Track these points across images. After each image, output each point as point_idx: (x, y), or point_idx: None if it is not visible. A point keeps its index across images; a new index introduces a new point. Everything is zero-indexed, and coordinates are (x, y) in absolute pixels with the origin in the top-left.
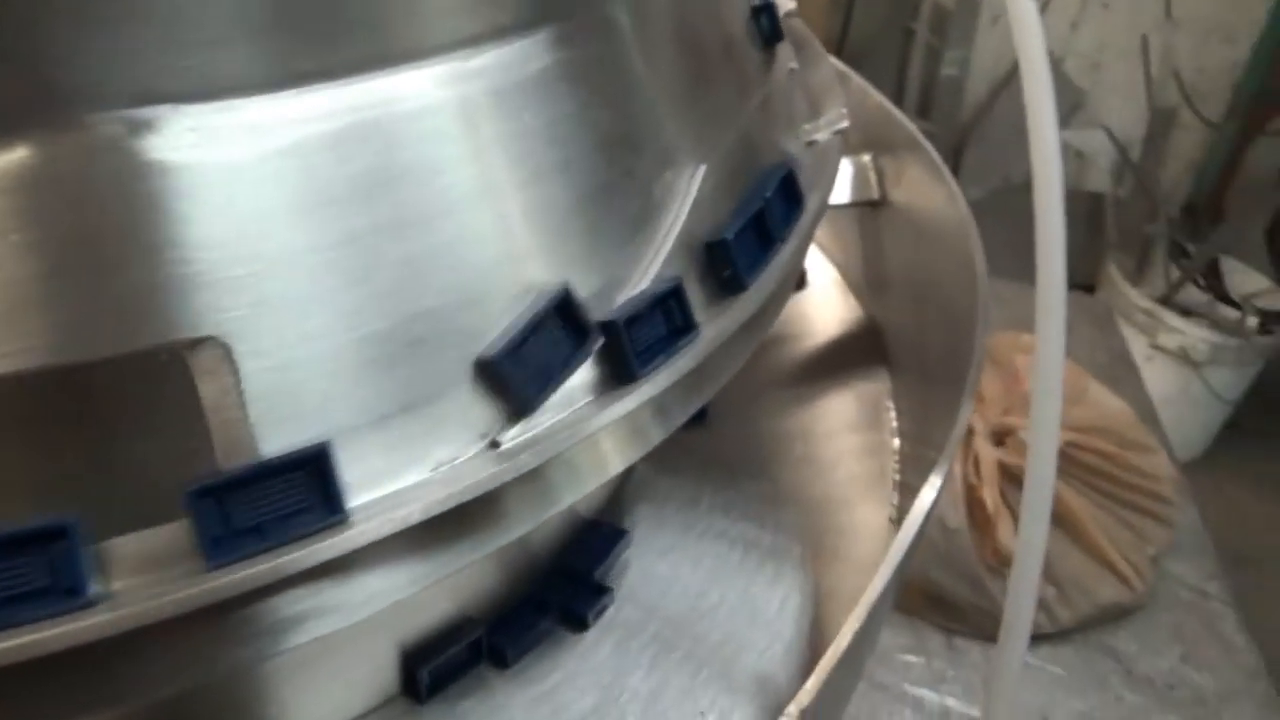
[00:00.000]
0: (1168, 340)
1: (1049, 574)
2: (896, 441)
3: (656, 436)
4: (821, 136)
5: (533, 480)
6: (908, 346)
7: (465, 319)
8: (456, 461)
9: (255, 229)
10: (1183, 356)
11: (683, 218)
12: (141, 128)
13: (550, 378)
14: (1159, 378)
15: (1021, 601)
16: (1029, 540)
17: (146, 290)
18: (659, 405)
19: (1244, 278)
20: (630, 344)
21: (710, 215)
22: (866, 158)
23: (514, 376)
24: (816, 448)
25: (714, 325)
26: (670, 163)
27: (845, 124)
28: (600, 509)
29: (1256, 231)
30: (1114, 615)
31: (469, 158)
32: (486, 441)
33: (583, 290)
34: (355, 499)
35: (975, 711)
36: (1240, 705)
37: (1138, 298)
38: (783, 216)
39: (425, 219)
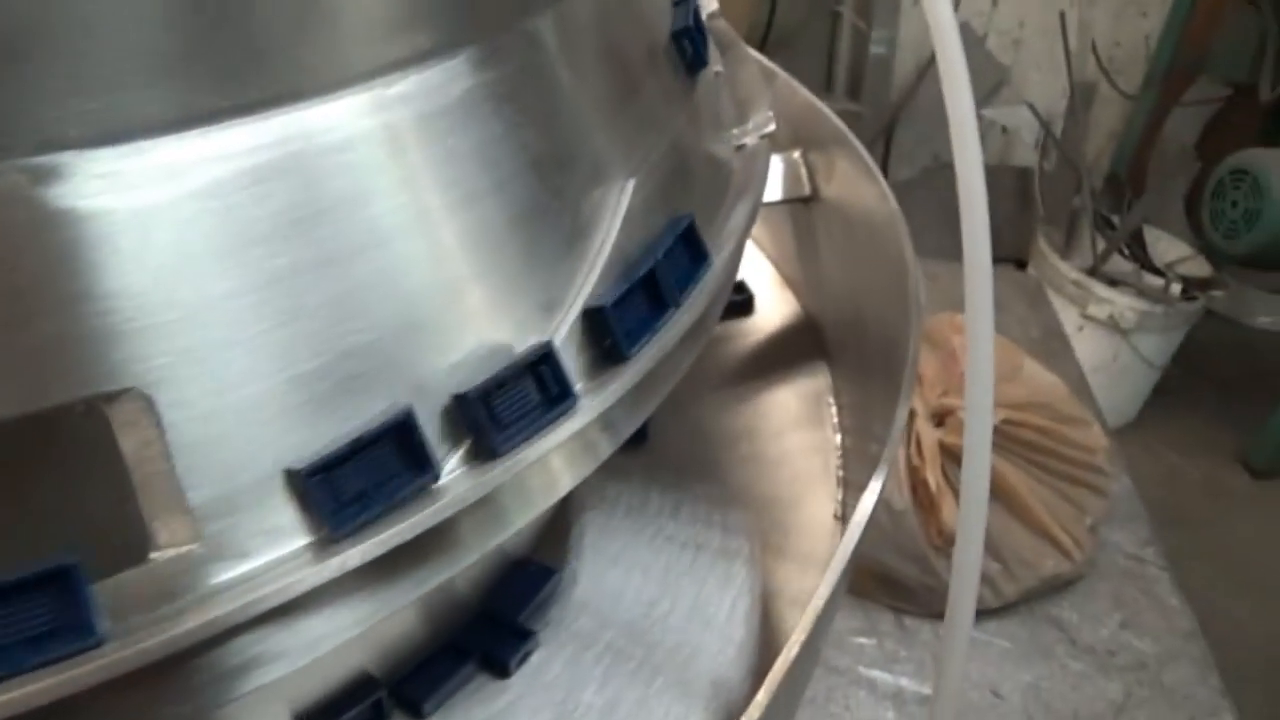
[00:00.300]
0: (1097, 310)
1: (992, 549)
2: (838, 438)
3: (607, 450)
4: (750, 140)
5: (483, 505)
6: (845, 342)
7: (402, 351)
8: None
9: (174, 275)
10: (1112, 325)
11: (613, 234)
12: (46, 176)
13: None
14: (1090, 347)
15: (965, 578)
16: (969, 517)
17: (62, 343)
18: (606, 421)
19: (1167, 246)
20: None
21: (642, 229)
22: (796, 154)
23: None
24: (762, 446)
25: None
26: (600, 178)
27: (772, 127)
28: (533, 543)
29: (1176, 200)
30: (1056, 586)
31: (397, 186)
32: (428, 476)
33: (518, 313)
34: (297, 540)
35: (928, 690)
36: (1179, 666)
37: (1067, 270)
38: (681, 277)
39: (354, 252)
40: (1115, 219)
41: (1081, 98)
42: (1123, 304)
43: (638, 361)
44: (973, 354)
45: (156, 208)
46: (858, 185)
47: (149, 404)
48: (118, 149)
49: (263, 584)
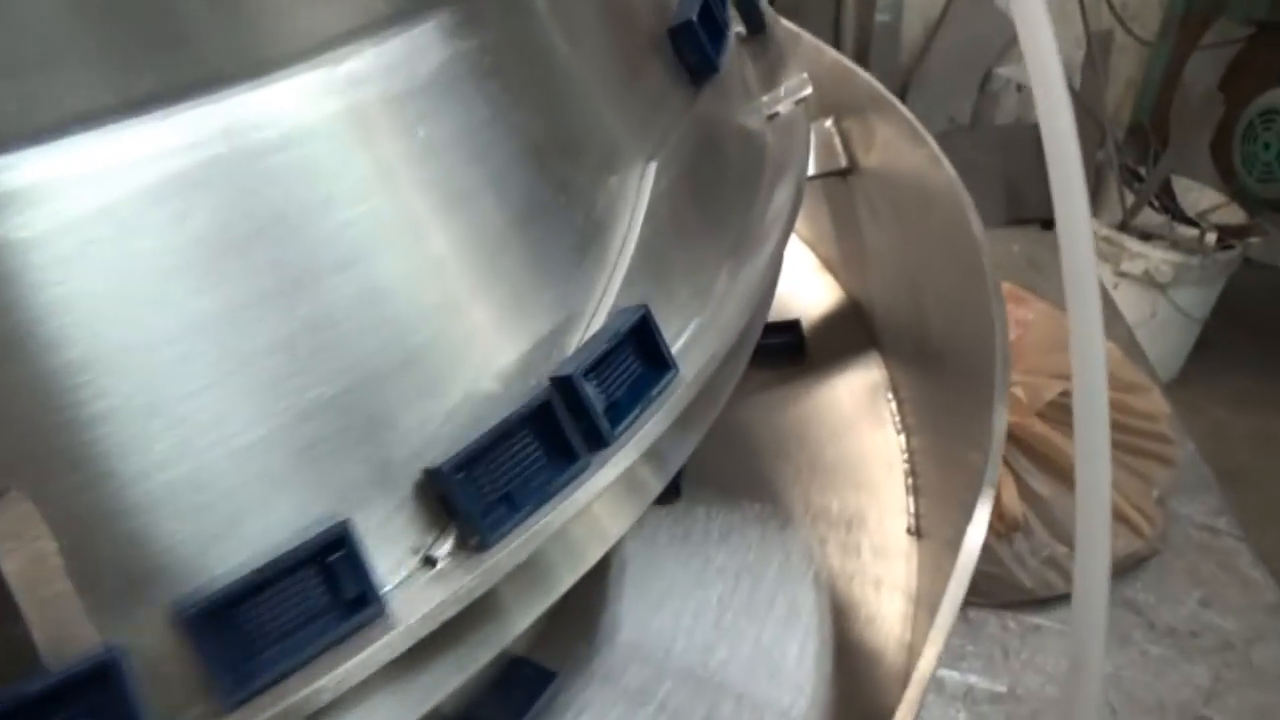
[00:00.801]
0: (1131, 266)
1: (1058, 533)
2: (903, 438)
3: (657, 487)
4: (784, 108)
5: (528, 567)
6: (902, 329)
7: (387, 396)
8: (389, 586)
9: (102, 312)
10: (1148, 280)
11: (636, 230)
12: None
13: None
14: (1127, 304)
15: (1092, 588)
16: (1089, 530)
17: None
18: (653, 453)
19: (1198, 195)
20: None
21: (671, 221)
22: (829, 123)
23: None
24: (815, 452)
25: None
26: (613, 165)
27: (808, 90)
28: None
29: (1203, 148)
30: (1129, 565)
31: (366, 187)
32: (419, 558)
33: (532, 334)
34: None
35: (999, 687)
36: (1268, 645)
37: (1097, 227)
38: (629, 398)
39: (321, 272)
40: (1142, 170)
41: (1099, 48)
42: (1157, 258)
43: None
44: (1080, 345)
45: (78, 224)
46: (904, 152)
47: (30, 510)
48: (31, 149)
49: None
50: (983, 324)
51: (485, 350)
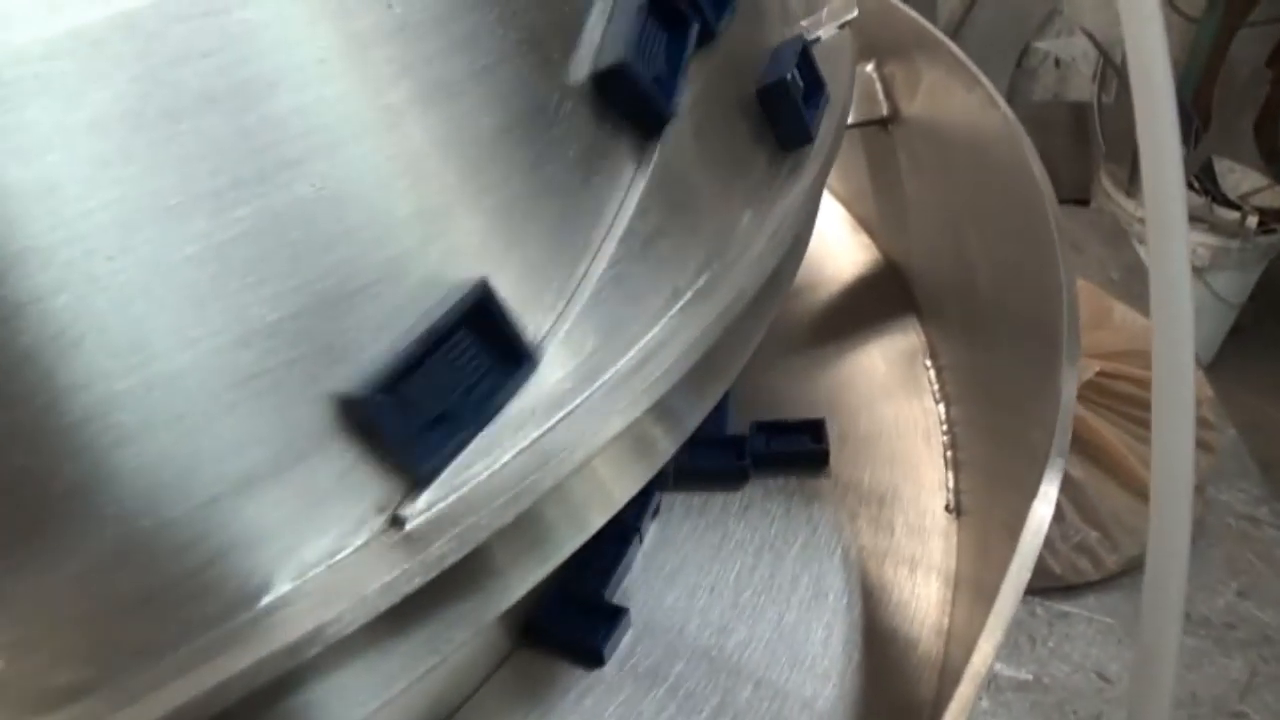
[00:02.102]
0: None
1: (1090, 517)
2: (941, 408)
3: (669, 448)
4: (825, 33)
5: (525, 527)
6: (944, 292)
7: (345, 322)
8: (352, 548)
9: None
10: None
11: (654, 151)
12: None
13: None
14: None
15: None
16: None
17: None
18: (664, 409)
19: (1240, 177)
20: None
21: (693, 145)
22: (869, 67)
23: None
24: (848, 421)
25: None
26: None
27: (854, 13)
28: None
29: (1247, 129)
30: None
31: (332, 64)
32: (386, 516)
33: (523, 261)
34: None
35: (1024, 674)
36: None
37: (1134, 208)
38: None
39: (268, 167)
40: (1183, 151)
41: None
42: (1195, 240)
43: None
44: (1163, 336)
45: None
46: (954, 96)
47: None
48: None
49: None
50: (1047, 282)
51: (467, 274)
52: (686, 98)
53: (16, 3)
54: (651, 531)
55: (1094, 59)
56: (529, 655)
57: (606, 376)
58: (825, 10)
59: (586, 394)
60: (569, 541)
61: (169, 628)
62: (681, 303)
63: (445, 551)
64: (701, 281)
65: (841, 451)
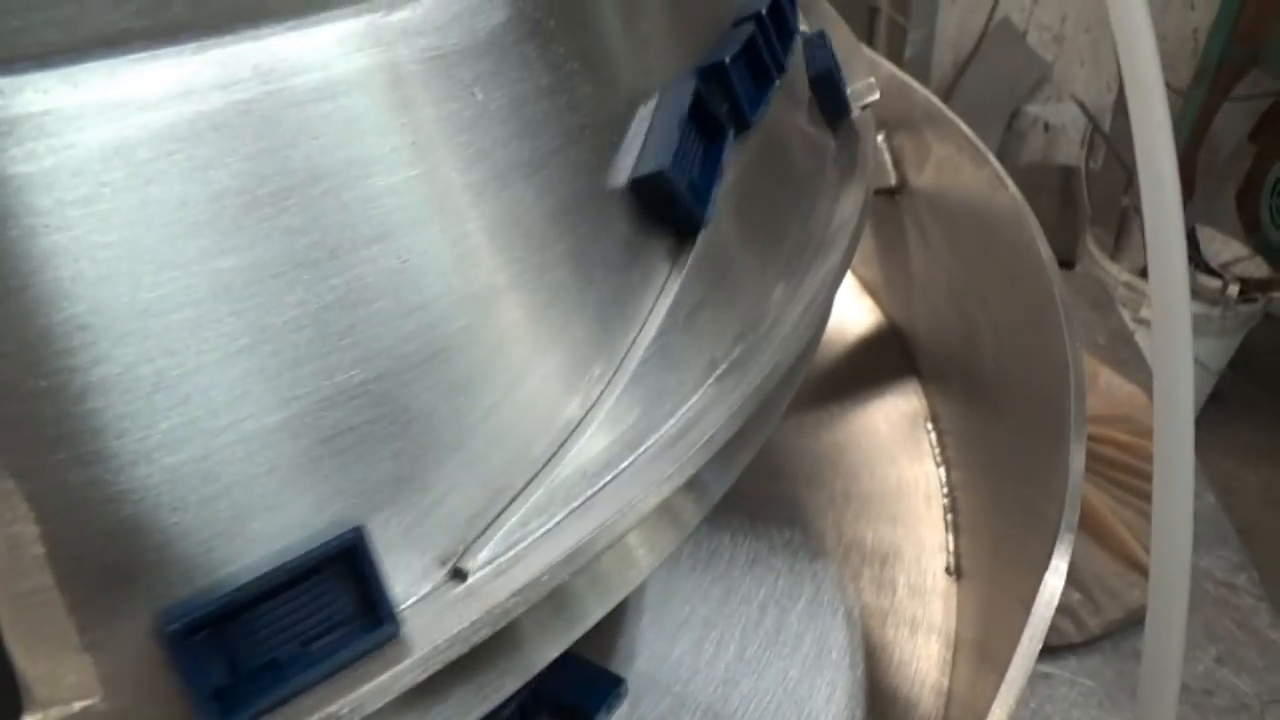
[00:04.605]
0: (1151, 313)
1: (1073, 578)
2: (942, 471)
3: (695, 518)
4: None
5: (553, 596)
6: (948, 358)
7: (404, 395)
8: (411, 601)
9: (110, 265)
10: None
11: (688, 258)
12: None
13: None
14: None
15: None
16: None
17: None
18: (696, 481)
19: (1222, 246)
20: None
21: (734, 222)
22: (879, 138)
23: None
24: (850, 481)
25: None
26: None
27: (875, 96)
28: None
29: (1229, 199)
30: (1143, 618)
31: (412, 151)
32: (448, 569)
33: (570, 343)
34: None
35: None
36: None
37: (1118, 272)
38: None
39: (357, 242)
40: None
41: None
42: None
43: (733, 386)
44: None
45: (89, 162)
46: (962, 172)
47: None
48: (40, 73)
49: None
50: (1053, 357)
51: (520, 352)
52: (720, 190)
53: (154, 89)
54: (658, 580)
55: (1083, 125)
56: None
57: (649, 443)
58: (849, 91)
59: (632, 459)
60: (595, 610)
61: None
62: (718, 373)
63: (512, 605)
64: (737, 352)
65: (845, 509)
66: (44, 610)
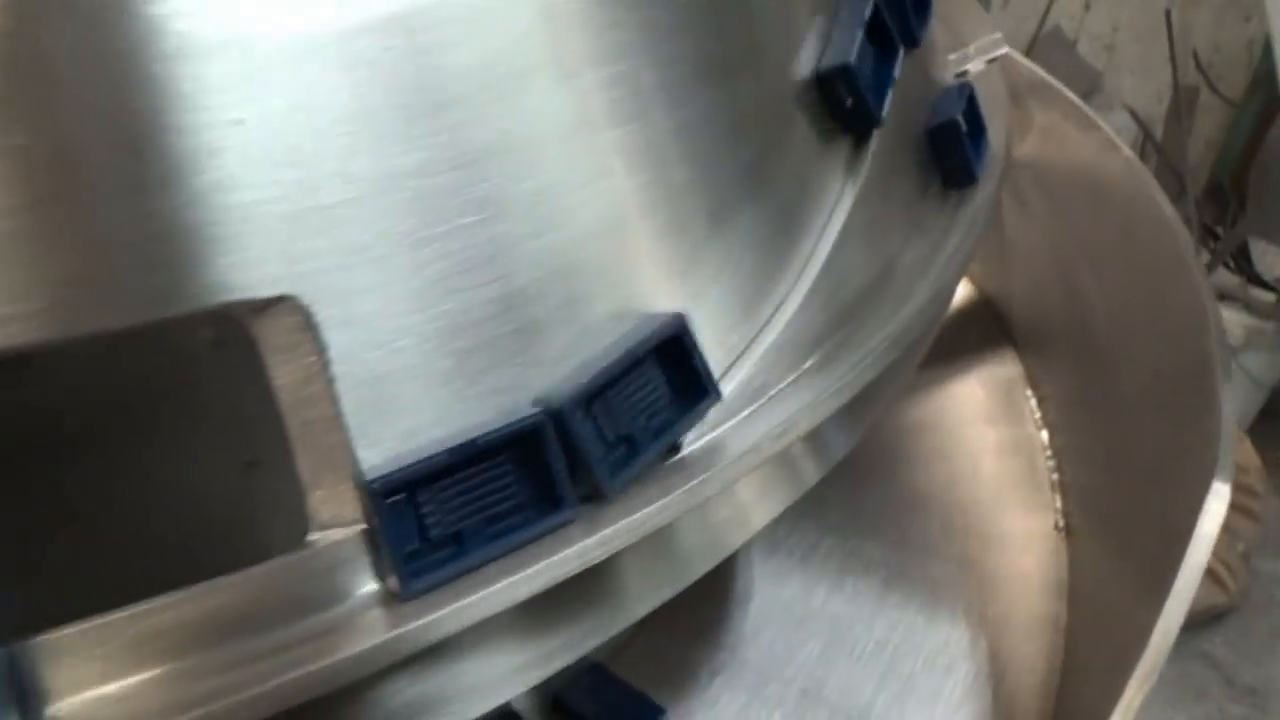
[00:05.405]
0: None
1: None
2: (1045, 434)
3: (813, 475)
4: (974, 66)
5: (659, 543)
6: (1050, 328)
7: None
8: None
9: (313, 151)
10: None
11: (863, 169)
12: None
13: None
14: None
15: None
16: None
17: (170, 222)
18: (815, 434)
19: (1275, 259)
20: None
21: (880, 187)
22: None
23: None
24: (950, 441)
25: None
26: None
27: (1003, 50)
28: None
29: None
30: (1207, 619)
31: (554, 74)
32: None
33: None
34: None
35: None
36: None
37: None
38: None
39: (500, 151)
40: (1219, 230)
41: (1186, 103)
42: (1229, 320)
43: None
44: None
45: (286, 45)
46: (1069, 140)
47: (307, 319)
48: None
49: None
50: (1186, 306)
51: (649, 288)
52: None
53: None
54: (766, 576)
55: (1134, 133)
56: None
57: (810, 362)
58: (973, 45)
59: (794, 377)
60: (700, 563)
61: None
62: (881, 294)
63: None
64: (899, 277)
65: (946, 468)
66: (329, 438)
